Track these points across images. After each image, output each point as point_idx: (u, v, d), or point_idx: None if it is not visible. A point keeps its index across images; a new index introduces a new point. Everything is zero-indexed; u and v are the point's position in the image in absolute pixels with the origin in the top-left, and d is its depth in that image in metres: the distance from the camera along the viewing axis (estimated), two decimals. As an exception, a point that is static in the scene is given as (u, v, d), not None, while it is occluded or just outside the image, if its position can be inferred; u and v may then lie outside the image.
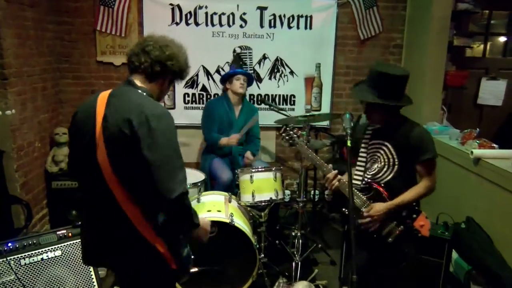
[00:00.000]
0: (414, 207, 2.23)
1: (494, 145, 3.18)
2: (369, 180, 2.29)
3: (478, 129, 3.43)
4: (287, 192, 4.50)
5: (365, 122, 2.42)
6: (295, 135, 2.44)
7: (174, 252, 1.68)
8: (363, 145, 2.34)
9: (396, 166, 2.21)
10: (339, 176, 2.23)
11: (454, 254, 3.00)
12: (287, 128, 2.47)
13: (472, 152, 3.09)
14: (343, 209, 2.26)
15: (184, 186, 1.54)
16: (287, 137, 2.46)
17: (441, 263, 2.75)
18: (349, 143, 1.55)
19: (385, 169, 2.24)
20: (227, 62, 4.28)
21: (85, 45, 4.10)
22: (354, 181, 2.32)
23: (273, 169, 3.15)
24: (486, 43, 4.89)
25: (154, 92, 1.75)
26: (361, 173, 2.33)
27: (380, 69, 2.12)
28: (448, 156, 3.49)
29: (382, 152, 2.26)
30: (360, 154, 2.35)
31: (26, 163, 3.45)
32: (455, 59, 4.39)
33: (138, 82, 1.71)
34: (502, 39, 5.13)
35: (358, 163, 2.35)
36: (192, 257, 1.84)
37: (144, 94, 1.67)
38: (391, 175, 2.23)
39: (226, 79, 3.79)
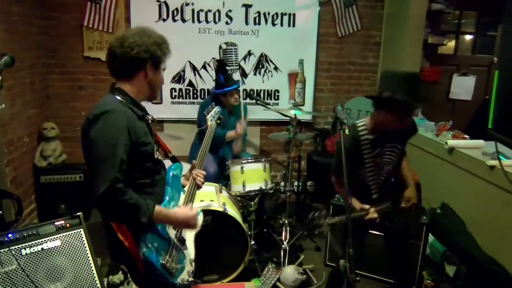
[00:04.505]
0: None
1: (466, 136, 3.43)
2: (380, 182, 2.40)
3: (451, 121, 3.68)
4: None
5: (352, 136, 2.37)
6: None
7: (138, 249, 1.64)
8: (366, 158, 2.31)
9: (400, 155, 2.35)
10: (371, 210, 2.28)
11: (430, 238, 3.23)
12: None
13: (446, 143, 3.32)
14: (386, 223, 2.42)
15: (106, 185, 1.50)
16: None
17: (419, 244, 2.96)
18: (347, 132, 1.69)
19: (395, 164, 2.36)
20: (213, 58, 4.37)
21: (72, 41, 4.12)
22: (374, 195, 2.40)
23: (263, 160, 3.30)
24: (457, 41, 5.18)
25: (137, 90, 1.73)
26: (375, 183, 2.38)
27: (406, 73, 2.19)
28: (424, 147, 3.72)
29: (394, 154, 2.32)
30: (367, 167, 2.34)
31: (16, 158, 3.47)
32: (429, 56, 4.65)
33: (118, 85, 1.74)
34: (468, 37, 5.44)
35: (368, 175, 2.35)
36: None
37: (116, 97, 1.68)
38: (396, 164, 2.38)
39: (219, 94, 3.75)
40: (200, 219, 2.01)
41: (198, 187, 2.05)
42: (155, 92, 1.83)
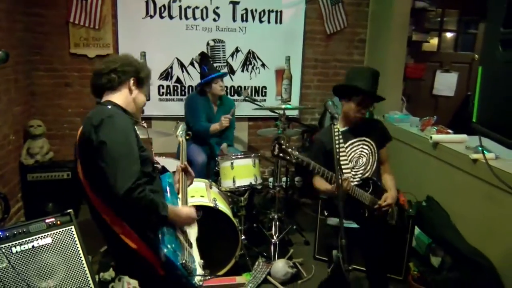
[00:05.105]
0: None
1: (450, 130, 3.52)
2: (363, 176, 2.46)
3: (435, 116, 3.77)
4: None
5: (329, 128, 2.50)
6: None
7: (157, 255, 1.68)
8: (341, 149, 2.39)
9: (376, 155, 2.43)
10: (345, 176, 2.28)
11: (416, 231, 3.31)
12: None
13: (431, 137, 3.40)
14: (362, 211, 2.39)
15: (132, 181, 1.55)
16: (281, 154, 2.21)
17: (406, 236, 3.04)
18: (337, 126, 1.74)
19: (370, 160, 2.43)
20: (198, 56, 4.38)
21: (58, 37, 4.07)
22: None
23: (252, 155, 3.33)
24: (440, 38, 5.30)
25: (124, 102, 1.82)
26: (350, 174, 2.44)
27: (367, 69, 2.32)
28: (409, 142, 3.81)
29: (365, 147, 2.43)
30: (341, 158, 2.41)
31: (2, 156, 3.42)
32: (413, 53, 4.75)
33: (103, 99, 1.82)
34: (450, 34, 5.56)
35: (343, 166, 2.41)
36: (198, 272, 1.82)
37: (108, 106, 1.75)
38: (375, 164, 2.44)
39: (204, 84, 3.80)
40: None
41: (190, 178, 2.18)
42: (138, 111, 1.91)
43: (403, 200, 2.52)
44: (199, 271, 1.87)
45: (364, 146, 2.44)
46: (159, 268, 1.68)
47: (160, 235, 1.67)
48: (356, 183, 2.41)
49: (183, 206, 1.92)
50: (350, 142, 2.45)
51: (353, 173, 2.45)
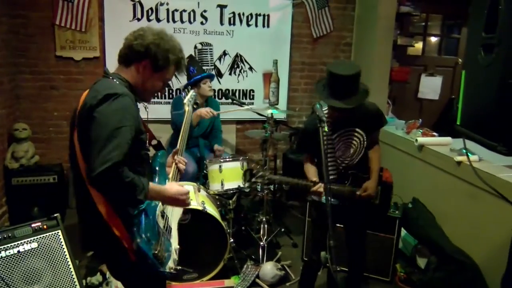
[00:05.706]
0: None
1: (435, 133, 3.59)
2: (341, 167, 2.45)
3: (420, 119, 3.84)
4: (247, 182, 4.69)
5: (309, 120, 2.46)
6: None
7: (131, 239, 1.64)
8: (325, 140, 2.28)
9: (365, 143, 2.40)
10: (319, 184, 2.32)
11: (402, 232, 3.35)
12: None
13: (416, 140, 3.47)
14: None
15: (106, 166, 1.45)
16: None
17: (393, 238, 3.08)
18: (326, 129, 1.76)
19: (358, 150, 2.41)
20: (186, 58, 4.36)
21: (43, 40, 4.02)
22: (331, 177, 2.40)
23: (241, 158, 3.35)
24: (424, 43, 5.39)
25: (132, 79, 1.75)
26: (333, 166, 2.43)
27: (337, 72, 2.19)
28: (395, 145, 3.87)
29: (356, 138, 2.39)
30: (326, 148, 2.33)
31: (-15, 160, 3.37)
32: (398, 57, 4.83)
33: (114, 70, 1.77)
34: (434, 38, 5.67)
35: (328, 156, 2.38)
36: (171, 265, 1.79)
37: (114, 80, 1.69)
38: (362, 152, 2.42)
39: (192, 84, 3.79)
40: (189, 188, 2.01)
41: (180, 172, 2.08)
42: (146, 93, 1.83)
43: (387, 176, 2.51)
44: (174, 257, 1.84)
45: (355, 138, 2.40)
46: (131, 254, 1.64)
47: (136, 223, 1.64)
48: (335, 176, 2.40)
49: (169, 184, 1.82)
50: (338, 133, 2.39)
51: (339, 161, 2.43)
